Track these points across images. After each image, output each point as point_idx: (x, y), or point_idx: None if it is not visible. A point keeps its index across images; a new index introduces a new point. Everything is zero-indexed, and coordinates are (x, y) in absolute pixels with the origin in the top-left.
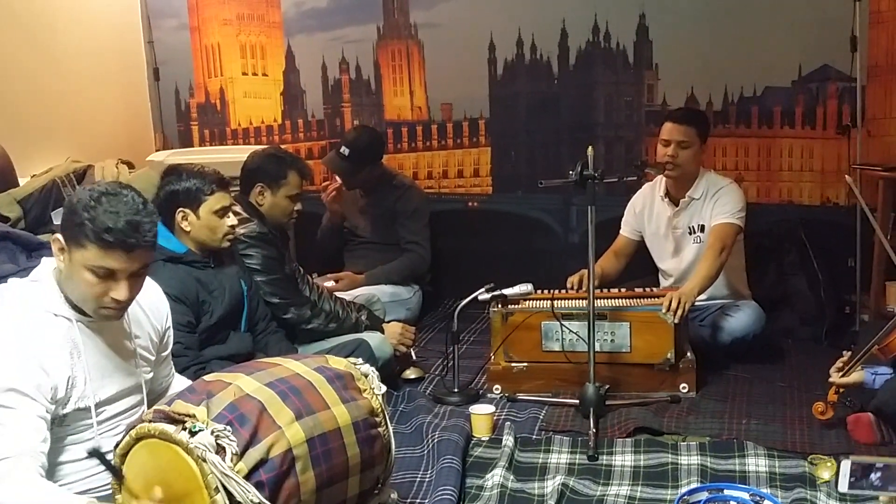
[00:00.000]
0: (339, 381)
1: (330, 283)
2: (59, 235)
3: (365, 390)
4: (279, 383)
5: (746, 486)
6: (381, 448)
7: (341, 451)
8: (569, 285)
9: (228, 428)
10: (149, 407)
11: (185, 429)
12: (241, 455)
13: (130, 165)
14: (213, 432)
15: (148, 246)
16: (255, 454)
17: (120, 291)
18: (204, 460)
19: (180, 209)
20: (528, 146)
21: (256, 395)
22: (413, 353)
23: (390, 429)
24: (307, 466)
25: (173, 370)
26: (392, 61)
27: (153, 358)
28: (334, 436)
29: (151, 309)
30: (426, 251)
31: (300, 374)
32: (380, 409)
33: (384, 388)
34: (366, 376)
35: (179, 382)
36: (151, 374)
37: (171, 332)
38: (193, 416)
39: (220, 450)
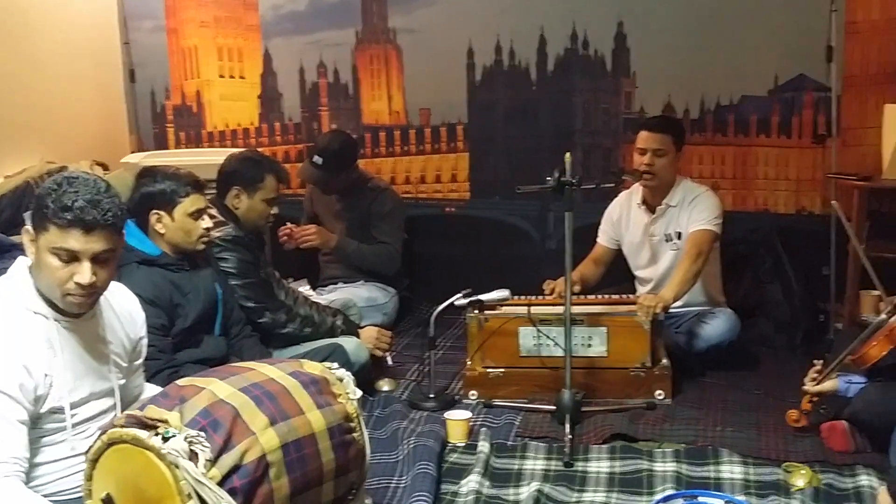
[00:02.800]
0: (314, 386)
1: (305, 288)
2: (28, 226)
3: (340, 395)
4: (253, 388)
5: (721, 494)
6: (356, 454)
7: (315, 457)
8: (545, 289)
9: (202, 434)
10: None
11: (157, 434)
12: (214, 461)
13: (105, 167)
14: (186, 438)
15: (108, 225)
16: (228, 460)
17: (83, 275)
18: (176, 466)
19: (155, 211)
20: (505, 152)
21: (230, 401)
22: (389, 359)
23: (365, 434)
24: (281, 472)
25: (144, 382)
26: (370, 66)
27: (126, 365)
28: (309, 441)
29: (125, 316)
30: (397, 252)
31: (274, 379)
32: (355, 415)
33: (359, 393)
34: (341, 381)
35: (150, 391)
36: (124, 381)
37: (144, 342)
38: (166, 422)
39: (193, 456)
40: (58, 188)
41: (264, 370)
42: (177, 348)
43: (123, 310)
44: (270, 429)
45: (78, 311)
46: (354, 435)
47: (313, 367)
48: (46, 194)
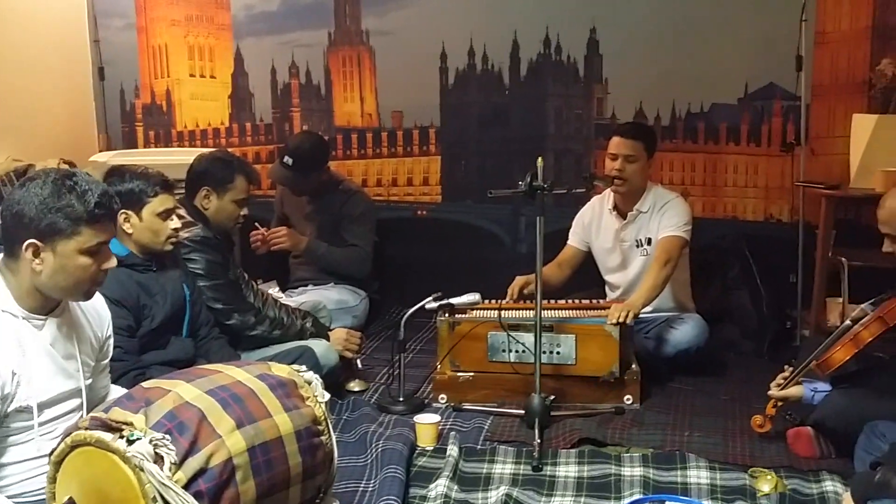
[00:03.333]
0: (282, 388)
1: (275, 290)
2: (32, 241)
3: (308, 398)
4: (220, 391)
5: (688, 498)
6: (324, 457)
7: (283, 460)
8: (508, 294)
9: (167, 437)
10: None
11: (122, 437)
12: (179, 464)
13: (73, 165)
14: (151, 441)
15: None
16: (194, 463)
17: (111, 259)
18: (141, 469)
19: (122, 211)
20: (478, 156)
21: (196, 403)
22: (359, 362)
23: (333, 437)
24: (248, 476)
25: (110, 383)
26: (343, 67)
27: (93, 364)
28: (276, 444)
29: (93, 315)
30: (368, 255)
31: (242, 382)
32: (323, 418)
33: (327, 396)
34: (309, 384)
35: (116, 393)
36: (91, 381)
37: (111, 341)
38: (131, 425)
39: (158, 459)
40: (61, 195)
41: (231, 372)
42: (143, 350)
43: (91, 308)
44: (237, 432)
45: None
46: (322, 438)
47: (281, 370)
48: (50, 206)
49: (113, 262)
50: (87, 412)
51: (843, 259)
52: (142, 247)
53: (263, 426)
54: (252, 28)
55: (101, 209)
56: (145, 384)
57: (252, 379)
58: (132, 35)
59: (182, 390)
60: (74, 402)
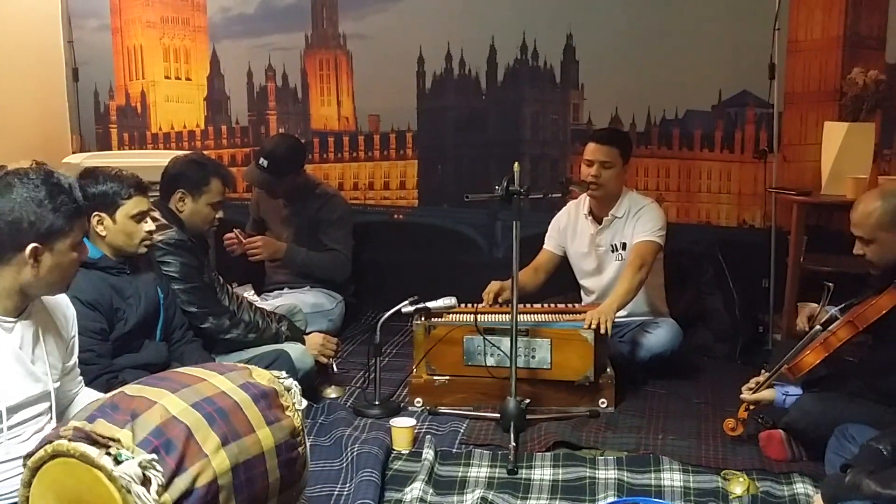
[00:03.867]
0: (264, 400)
1: (250, 294)
2: (35, 244)
3: (288, 407)
4: (206, 404)
5: (661, 501)
6: (300, 467)
7: (263, 477)
8: (484, 299)
9: (155, 458)
10: (57, 418)
11: (108, 454)
12: (166, 486)
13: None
14: (140, 463)
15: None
16: (180, 484)
17: (86, 250)
18: (128, 491)
19: (96, 213)
20: (454, 160)
21: (183, 419)
22: (334, 366)
23: (307, 444)
24: (230, 496)
25: (81, 382)
26: (320, 70)
27: (60, 365)
28: (258, 461)
29: (59, 316)
30: (347, 259)
31: (226, 394)
32: (300, 428)
33: (305, 403)
34: (288, 391)
35: (86, 395)
36: (59, 383)
37: (76, 340)
38: (118, 441)
39: (145, 480)
40: (59, 192)
41: (216, 381)
42: (116, 353)
43: (57, 309)
44: (222, 450)
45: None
46: (299, 449)
47: (261, 376)
48: (53, 207)
49: (87, 252)
50: (56, 415)
51: (830, 284)
52: (115, 249)
53: (247, 443)
54: (228, 30)
55: (84, 201)
56: (129, 391)
57: (236, 389)
58: (107, 36)
59: (168, 403)
60: (43, 406)
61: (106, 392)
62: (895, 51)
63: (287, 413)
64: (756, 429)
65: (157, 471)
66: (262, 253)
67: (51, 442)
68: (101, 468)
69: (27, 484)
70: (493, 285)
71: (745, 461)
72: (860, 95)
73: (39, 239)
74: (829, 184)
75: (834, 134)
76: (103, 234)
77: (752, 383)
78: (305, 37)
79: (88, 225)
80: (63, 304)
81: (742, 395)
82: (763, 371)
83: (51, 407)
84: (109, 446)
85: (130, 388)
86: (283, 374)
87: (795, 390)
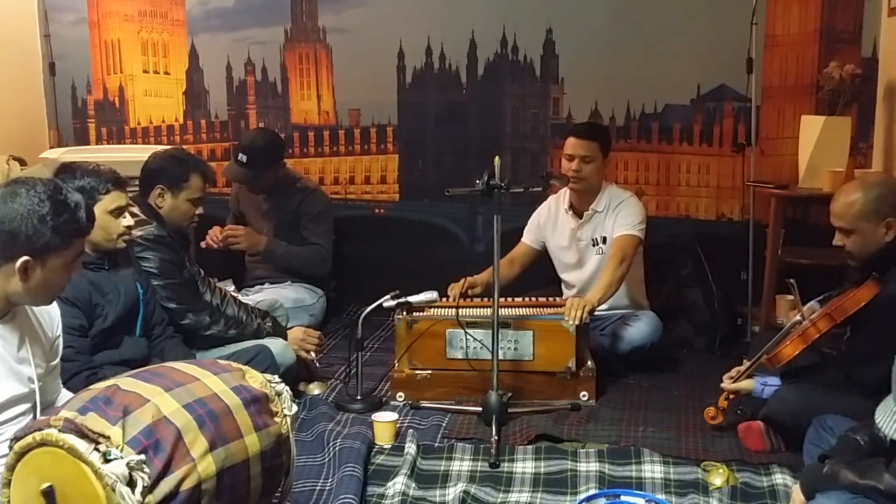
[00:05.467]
0: (255, 405)
1: (231, 289)
2: (26, 258)
3: (277, 413)
4: (198, 406)
5: (642, 493)
6: (281, 475)
7: (245, 483)
8: (449, 292)
9: (143, 459)
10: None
11: (97, 450)
12: (151, 488)
13: (22, 162)
14: (128, 464)
15: None
16: (165, 487)
17: (80, 265)
18: (113, 490)
19: None
20: (435, 154)
21: (174, 420)
22: (316, 361)
23: (293, 451)
24: (211, 501)
25: (61, 384)
26: (299, 65)
27: (45, 366)
28: (242, 467)
29: (44, 317)
30: (328, 253)
31: (219, 396)
32: (287, 435)
33: (295, 409)
34: (279, 396)
35: (65, 397)
36: (42, 384)
37: (60, 341)
38: (108, 438)
39: (131, 481)
40: (63, 210)
41: (210, 382)
42: (96, 349)
43: (42, 310)
44: (209, 455)
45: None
46: (283, 458)
47: (255, 380)
48: (54, 225)
49: (78, 267)
50: (40, 415)
51: (792, 280)
52: (94, 245)
53: (234, 448)
54: (207, 24)
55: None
56: (123, 385)
57: (228, 392)
58: (84, 30)
59: (161, 402)
60: (25, 406)
61: None
62: (870, 45)
63: (276, 419)
64: (735, 420)
65: (144, 473)
66: (242, 242)
67: (40, 430)
68: (88, 464)
69: (10, 468)
70: (467, 280)
71: (724, 452)
72: (836, 89)
73: (33, 253)
74: (807, 177)
75: (811, 127)
76: None
77: (733, 372)
78: (285, 31)
79: (84, 243)
80: (48, 306)
81: (722, 384)
82: (745, 361)
83: (34, 407)
84: (99, 442)
85: (125, 382)
86: (276, 378)
87: (774, 381)
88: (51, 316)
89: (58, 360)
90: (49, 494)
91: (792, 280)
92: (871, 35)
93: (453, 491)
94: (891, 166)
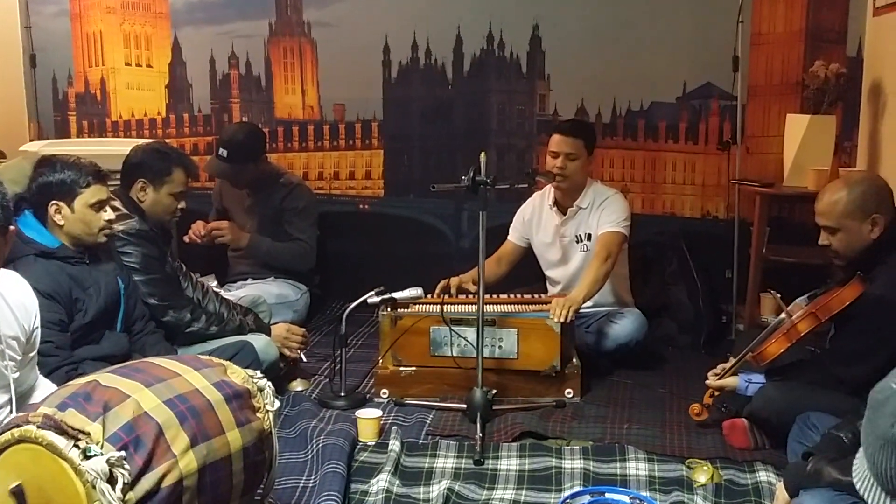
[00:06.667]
0: (237, 400)
1: (213, 284)
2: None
3: (259, 409)
4: (179, 402)
5: (627, 490)
6: (264, 471)
7: (227, 479)
8: (437, 292)
9: (124, 456)
10: (17, 407)
11: (77, 447)
12: (132, 485)
13: (2, 155)
14: (108, 461)
15: None
16: (146, 484)
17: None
18: (94, 487)
19: (53, 202)
20: (421, 150)
21: (155, 416)
22: (302, 356)
23: (276, 447)
24: (193, 497)
25: (38, 374)
26: (284, 59)
27: (20, 357)
28: (224, 463)
29: (19, 307)
30: (312, 249)
31: (200, 392)
32: (269, 431)
33: (277, 405)
34: (262, 391)
35: (44, 386)
36: (18, 374)
37: (38, 332)
38: (88, 435)
39: (112, 478)
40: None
41: (191, 378)
42: (76, 344)
43: (17, 301)
44: (191, 452)
45: None
46: (266, 454)
47: (237, 375)
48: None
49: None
50: (16, 406)
51: (772, 292)
52: (74, 239)
53: (216, 444)
54: (191, 17)
55: (4, 222)
56: (103, 381)
57: (209, 388)
58: (65, 21)
59: (141, 398)
60: (2, 398)
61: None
62: (855, 44)
63: (258, 415)
64: (720, 417)
65: (125, 469)
66: (227, 236)
67: (18, 426)
68: (68, 460)
69: None
70: (452, 280)
71: (708, 450)
72: (822, 88)
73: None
74: (791, 175)
75: (796, 126)
76: (61, 223)
77: (718, 369)
78: (269, 24)
79: (7, 241)
80: (24, 296)
81: (707, 381)
82: (730, 358)
83: (10, 399)
84: (79, 439)
85: (105, 378)
86: (258, 373)
87: (758, 378)
88: (27, 308)
89: (35, 352)
90: (19, 494)
91: (772, 291)
92: (857, 34)
93: (437, 488)
94: (875, 165)
